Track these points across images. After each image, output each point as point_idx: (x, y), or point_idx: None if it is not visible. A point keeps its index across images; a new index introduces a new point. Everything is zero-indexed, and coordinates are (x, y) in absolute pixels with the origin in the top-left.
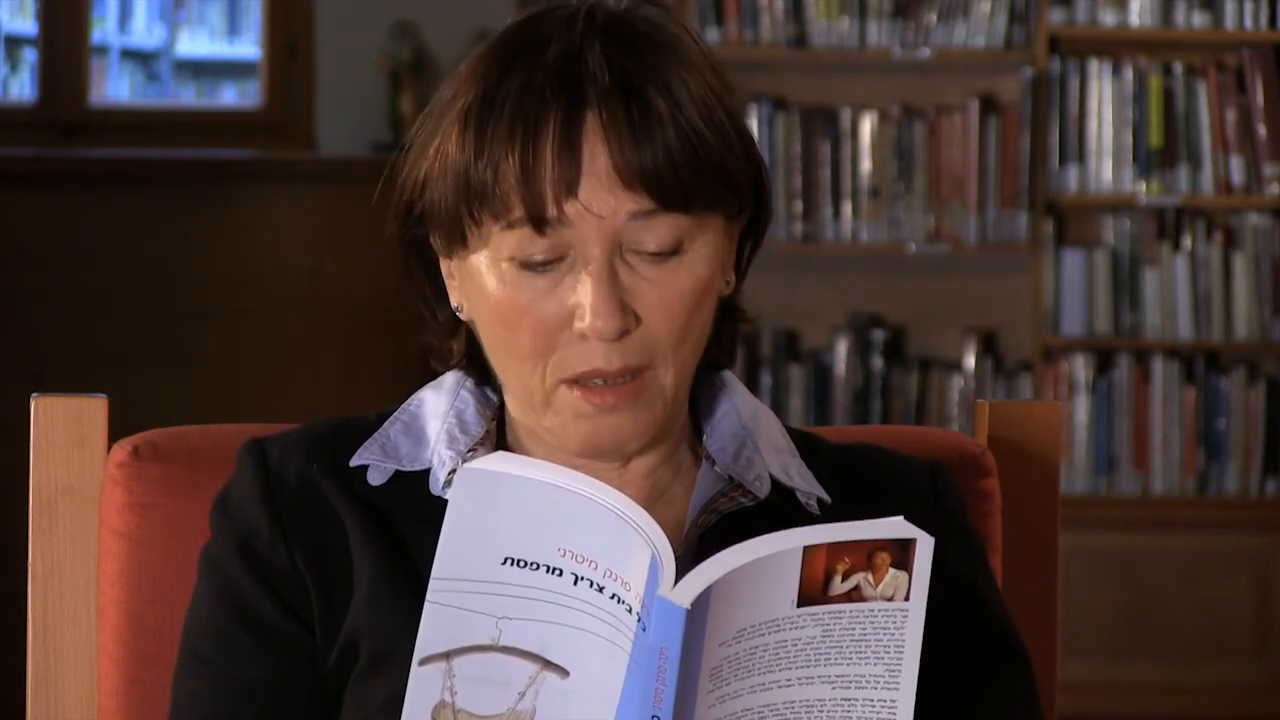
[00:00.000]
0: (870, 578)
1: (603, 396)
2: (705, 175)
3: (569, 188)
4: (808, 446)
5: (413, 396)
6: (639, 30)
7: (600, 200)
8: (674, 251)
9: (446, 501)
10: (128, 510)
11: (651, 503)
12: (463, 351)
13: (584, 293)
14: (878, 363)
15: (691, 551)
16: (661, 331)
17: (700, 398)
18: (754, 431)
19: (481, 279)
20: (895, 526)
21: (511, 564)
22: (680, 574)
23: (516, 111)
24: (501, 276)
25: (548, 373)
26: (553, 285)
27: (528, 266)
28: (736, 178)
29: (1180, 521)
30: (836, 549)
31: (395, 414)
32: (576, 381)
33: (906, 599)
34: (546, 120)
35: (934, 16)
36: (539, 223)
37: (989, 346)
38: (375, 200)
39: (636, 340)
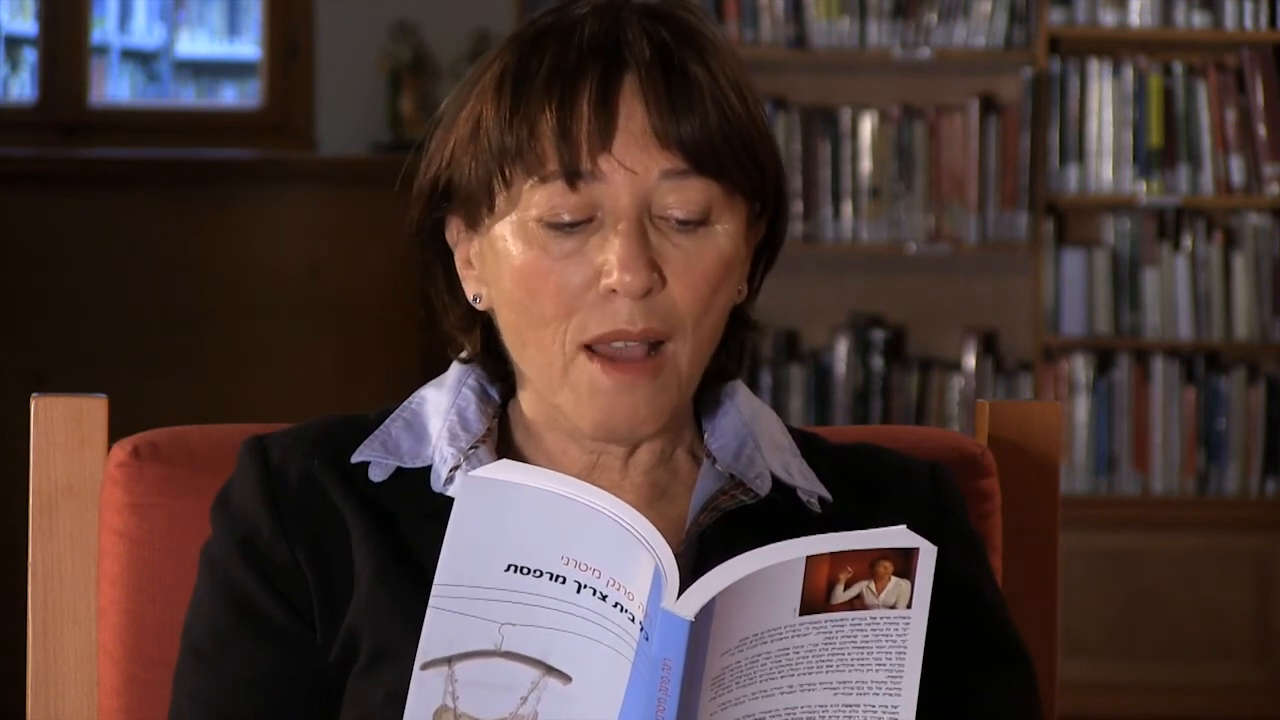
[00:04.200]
0: (873, 586)
1: (621, 371)
2: (737, 147)
3: (604, 142)
4: (808, 446)
5: (414, 394)
6: (677, 15)
7: (634, 157)
8: (701, 222)
9: (448, 498)
10: (128, 510)
11: (653, 501)
12: (480, 344)
13: (612, 249)
14: (878, 363)
15: (692, 549)
16: (685, 300)
17: (703, 399)
18: (755, 430)
19: (505, 246)
20: (898, 536)
21: (515, 571)
22: (681, 575)
23: (554, 72)
24: (528, 238)
25: (568, 338)
26: (578, 247)
27: (555, 227)
28: (764, 160)
29: (1180, 521)
30: (839, 558)
31: (396, 411)
32: (596, 351)
33: (909, 607)
34: (585, 80)
35: (934, 16)
36: (573, 176)
37: (989, 346)
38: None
39: (659, 304)
